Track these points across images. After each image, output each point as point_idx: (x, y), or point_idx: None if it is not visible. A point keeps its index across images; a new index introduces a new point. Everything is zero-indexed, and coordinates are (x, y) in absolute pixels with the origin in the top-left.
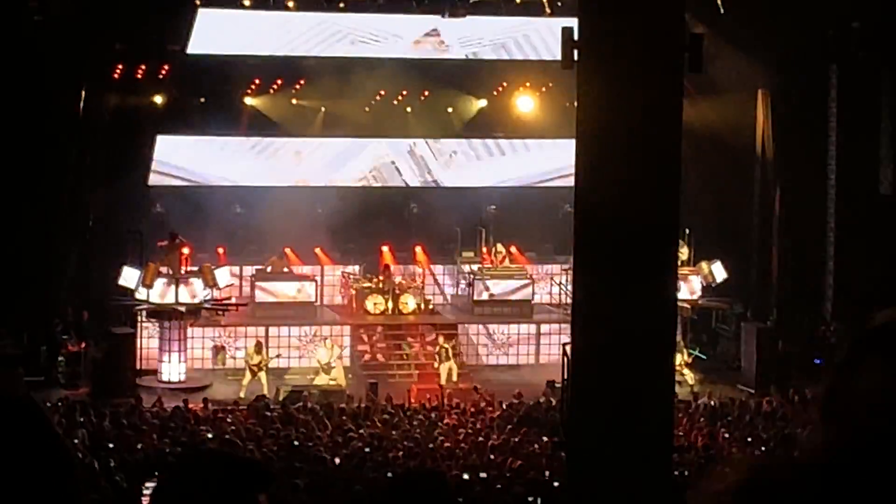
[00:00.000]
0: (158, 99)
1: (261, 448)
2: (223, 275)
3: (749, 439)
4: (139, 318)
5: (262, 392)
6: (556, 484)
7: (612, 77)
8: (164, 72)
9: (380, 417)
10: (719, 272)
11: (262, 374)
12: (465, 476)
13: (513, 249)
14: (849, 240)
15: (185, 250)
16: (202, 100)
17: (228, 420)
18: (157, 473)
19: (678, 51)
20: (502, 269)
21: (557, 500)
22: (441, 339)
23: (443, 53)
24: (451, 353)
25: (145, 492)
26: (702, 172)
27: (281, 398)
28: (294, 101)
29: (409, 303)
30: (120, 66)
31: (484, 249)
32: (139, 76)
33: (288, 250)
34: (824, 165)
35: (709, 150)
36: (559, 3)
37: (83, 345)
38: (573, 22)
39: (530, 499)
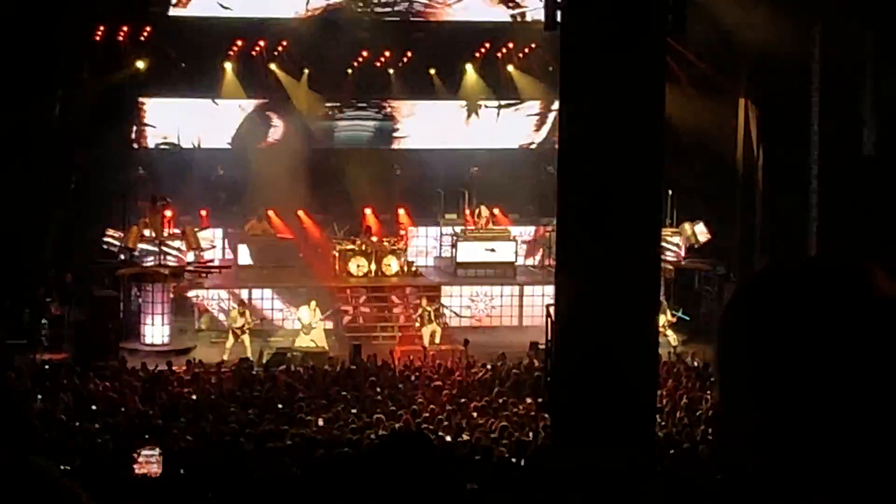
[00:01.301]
0: (140, 63)
1: (244, 410)
2: (206, 237)
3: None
4: (122, 281)
5: (246, 355)
6: (539, 444)
7: (596, 38)
8: (145, 34)
9: (363, 380)
10: (702, 233)
11: (246, 337)
12: (449, 438)
13: (496, 211)
14: (832, 200)
15: (168, 213)
16: (183, 64)
17: (212, 382)
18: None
19: (662, 11)
20: (485, 232)
21: (541, 462)
22: (424, 302)
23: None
24: (433, 316)
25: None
26: (684, 132)
27: (264, 361)
28: (276, 63)
29: (391, 265)
30: (102, 28)
31: (467, 212)
32: (121, 38)
33: (270, 213)
34: (807, 126)
35: (691, 110)
36: None
37: (67, 308)
38: None
39: (514, 460)
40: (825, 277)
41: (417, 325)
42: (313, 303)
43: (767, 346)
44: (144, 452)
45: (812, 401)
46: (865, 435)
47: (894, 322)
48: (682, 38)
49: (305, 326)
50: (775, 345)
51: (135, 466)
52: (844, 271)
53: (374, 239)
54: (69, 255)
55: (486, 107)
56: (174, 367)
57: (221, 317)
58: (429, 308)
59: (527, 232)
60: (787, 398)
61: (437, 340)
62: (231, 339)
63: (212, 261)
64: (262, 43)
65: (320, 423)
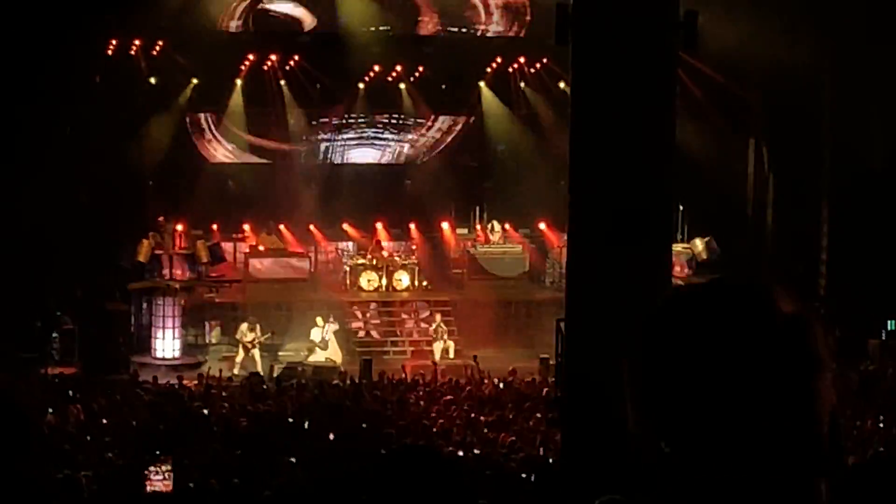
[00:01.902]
0: (153, 80)
1: (255, 425)
2: (217, 252)
3: None
4: (133, 295)
5: (256, 369)
6: (550, 461)
7: (607, 54)
8: (157, 48)
9: (373, 394)
10: (712, 249)
11: (256, 352)
12: (459, 453)
13: (507, 226)
14: (842, 216)
15: (179, 227)
16: (195, 79)
17: (223, 396)
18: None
19: (672, 27)
20: (497, 246)
21: (552, 477)
22: (438, 318)
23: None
24: (446, 332)
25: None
26: (695, 149)
27: (275, 375)
28: (287, 78)
29: (402, 279)
30: (114, 42)
31: (478, 227)
32: (133, 52)
33: (281, 227)
34: (817, 141)
35: (702, 126)
36: None
37: (77, 322)
38: None
39: (524, 475)
40: (725, 298)
41: (433, 341)
42: (320, 319)
43: (667, 366)
44: (154, 468)
45: (711, 421)
46: (765, 451)
47: (793, 339)
48: (694, 54)
49: (319, 343)
50: (675, 365)
51: (145, 481)
52: (745, 291)
53: (385, 254)
54: (80, 270)
55: None
56: (185, 381)
57: (238, 334)
58: (442, 324)
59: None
60: (686, 419)
61: (451, 355)
62: (241, 353)
63: (223, 275)
64: (273, 57)
65: (331, 437)
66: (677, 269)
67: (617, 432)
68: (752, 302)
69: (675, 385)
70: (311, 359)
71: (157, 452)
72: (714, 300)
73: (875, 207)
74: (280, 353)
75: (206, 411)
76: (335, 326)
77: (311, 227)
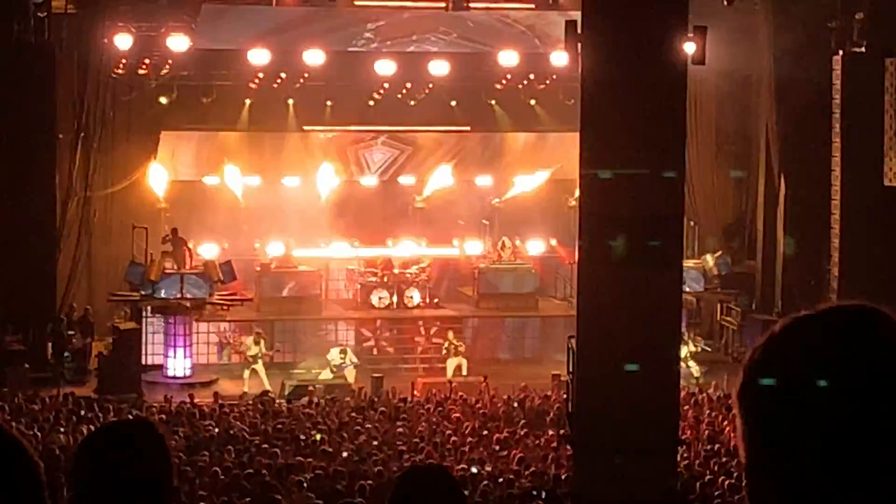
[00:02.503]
0: (163, 99)
1: (267, 443)
2: (228, 270)
3: None
4: (144, 314)
5: (264, 385)
6: (562, 477)
7: (616, 70)
8: (168, 66)
9: (385, 412)
10: (724, 265)
11: (259, 367)
12: (472, 470)
13: (517, 243)
14: (853, 231)
15: (190, 245)
16: (204, 97)
17: (235, 414)
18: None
19: (682, 43)
20: (507, 263)
21: (563, 493)
22: (451, 335)
23: (446, 46)
24: (459, 349)
25: None
26: (706, 164)
27: (286, 393)
28: (298, 96)
29: (413, 297)
30: (123, 62)
31: (489, 243)
32: (143, 71)
33: (292, 244)
34: (828, 157)
35: (713, 142)
36: None
37: (88, 341)
38: (577, 15)
39: (535, 493)
40: (848, 323)
41: (444, 356)
42: (348, 349)
43: (794, 394)
44: None
45: (838, 449)
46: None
47: None
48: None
49: (334, 367)
50: (801, 393)
51: None
52: (865, 316)
53: (396, 271)
54: (91, 289)
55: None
56: (196, 400)
57: (242, 348)
58: (455, 342)
59: (548, 264)
60: (814, 447)
61: (465, 372)
62: (248, 371)
63: (234, 293)
64: (282, 76)
65: (343, 454)
66: (689, 284)
67: (626, 448)
68: (874, 327)
69: (803, 415)
70: (322, 377)
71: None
72: (843, 327)
73: (887, 221)
74: (293, 371)
75: (216, 430)
76: (355, 360)
77: (322, 244)
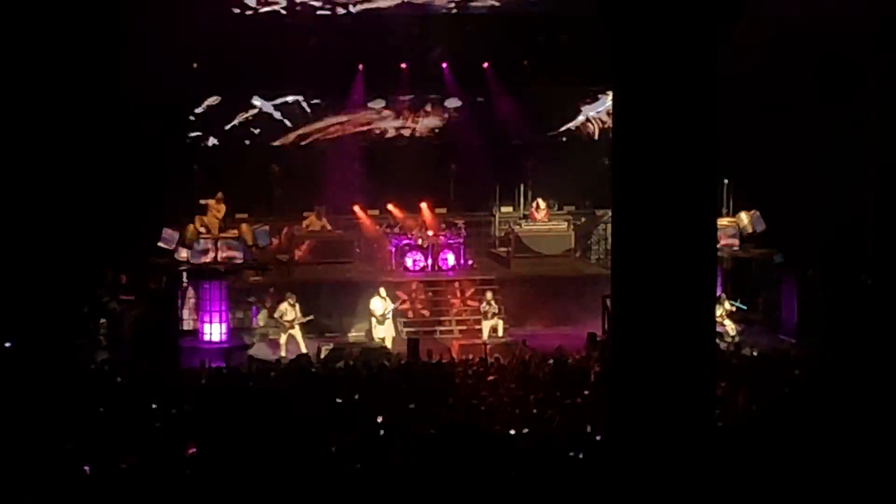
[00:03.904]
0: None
1: (304, 406)
2: (262, 234)
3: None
4: (180, 279)
5: (300, 349)
6: (598, 437)
7: (650, 28)
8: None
9: (421, 374)
10: (759, 222)
11: (297, 332)
12: (508, 431)
13: (552, 204)
14: (889, 189)
15: (224, 209)
16: (240, 60)
17: (271, 377)
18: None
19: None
20: (542, 224)
21: (600, 454)
22: (489, 295)
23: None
24: (495, 310)
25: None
26: (740, 123)
27: (322, 356)
28: (330, 58)
29: (448, 259)
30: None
31: (522, 204)
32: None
33: (326, 208)
34: (864, 115)
35: (748, 99)
36: None
37: (123, 307)
38: None
39: (572, 453)
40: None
41: (482, 320)
42: (383, 290)
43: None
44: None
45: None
46: None
47: None
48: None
49: (379, 317)
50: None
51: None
52: None
53: (430, 233)
54: (126, 254)
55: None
56: (233, 365)
57: (277, 314)
58: (492, 302)
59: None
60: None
61: (500, 334)
62: (284, 335)
63: (269, 257)
64: (314, 39)
65: (379, 419)
66: (724, 242)
67: (664, 409)
68: None
69: None
70: (375, 335)
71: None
72: None
73: None
74: (327, 334)
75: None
76: (392, 305)
77: (356, 208)
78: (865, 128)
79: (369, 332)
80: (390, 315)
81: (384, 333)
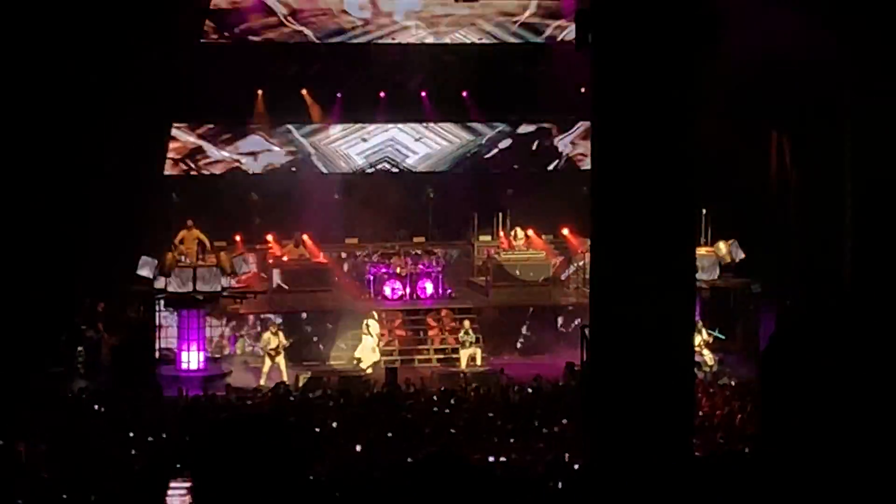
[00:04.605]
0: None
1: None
2: (241, 262)
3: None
4: (158, 308)
5: (282, 377)
6: (576, 466)
7: (628, 58)
8: (178, 59)
9: (399, 403)
10: (737, 252)
11: (280, 360)
12: (486, 459)
13: (530, 233)
14: (866, 216)
15: (202, 238)
16: (218, 87)
17: (248, 405)
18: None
19: (694, 29)
20: (520, 253)
21: (579, 483)
22: (466, 324)
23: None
24: (473, 339)
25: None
26: (718, 151)
27: (300, 385)
28: (309, 88)
29: (427, 288)
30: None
31: (502, 233)
32: (153, 63)
33: (305, 237)
34: (841, 141)
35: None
36: None
37: (101, 335)
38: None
39: (551, 482)
40: (864, 314)
41: (460, 349)
42: (375, 314)
43: (810, 378)
44: (176, 483)
45: (849, 433)
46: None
47: None
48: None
49: (375, 338)
50: (817, 377)
51: (170, 494)
52: (881, 309)
53: (409, 262)
54: (104, 282)
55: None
56: (210, 393)
57: (262, 343)
58: (470, 331)
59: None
60: (827, 428)
61: (478, 363)
62: (267, 363)
63: (247, 286)
64: (293, 68)
65: (357, 447)
66: (704, 273)
67: (642, 438)
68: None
69: (817, 398)
70: (369, 360)
71: (179, 466)
72: (854, 317)
73: None
74: (304, 363)
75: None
76: (377, 328)
77: (334, 236)
78: (843, 156)
79: (356, 357)
80: (377, 346)
81: (374, 358)
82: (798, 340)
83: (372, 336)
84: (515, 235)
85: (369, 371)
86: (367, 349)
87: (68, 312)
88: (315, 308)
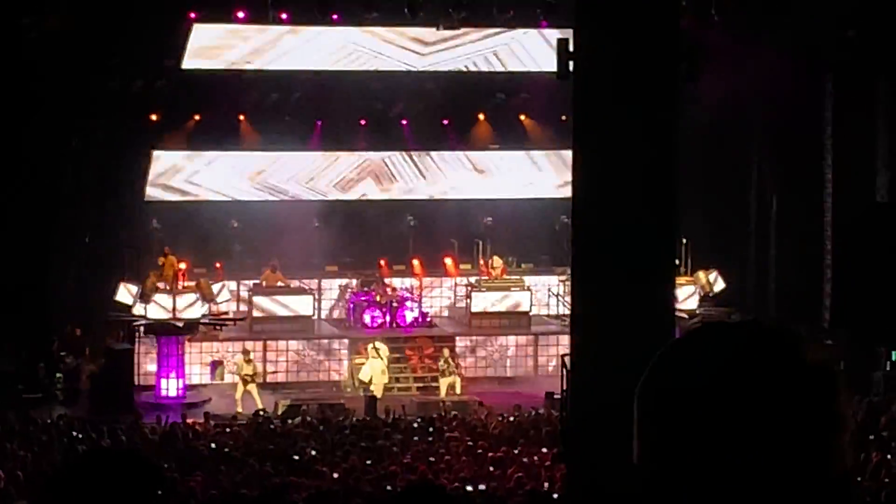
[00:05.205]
0: (153, 115)
1: (260, 463)
2: (220, 290)
3: None
4: (137, 334)
5: (257, 404)
6: (555, 496)
7: (609, 88)
8: (159, 87)
9: (379, 431)
10: (717, 282)
11: (253, 387)
12: (466, 488)
13: (509, 260)
14: (846, 248)
15: (182, 265)
16: (197, 116)
17: (227, 433)
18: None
19: (675, 60)
20: (500, 282)
21: None
22: (446, 353)
23: (437, 66)
24: (453, 368)
25: None
26: (698, 182)
27: (280, 412)
28: (289, 116)
29: (406, 316)
30: (115, 82)
31: (481, 262)
32: (134, 91)
33: (284, 264)
34: (821, 173)
35: (705, 159)
36: (554, 14)
37: (80, 361)
38: (569, 33)
39: None
40: (756, 339)
41: (440, 378)
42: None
43: (682, 407)
44: None
45: (723, 466)
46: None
47: (819, 393)
48: (695, 88)
49: (385, 359)
50: (692, 405)
51: None
52: (777, 335)
53: (389, 290)
54: (83, 309)
55: (497, 156)
56: (189, 420)
57: (235, 368)
58: (449, 360)
59: (541, 281)
60: (699, 462)
61: (458, 391)
62: (240, 389)
63: (226, 313)
64: (275, 95)
65: (336, 475)
66: (684, 303)
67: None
68: (782, 347)
69: (690, 424)
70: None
71: (160, 493)
72: (744, 339)
73: (879, 238)
74: (284, 390)
75: (213, 445)
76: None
77: (315, 263)
78: (822, 186)
79: (365, 381)
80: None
81: (384, 380)
82: (671, 369)
83: (381, 359)
84: (492, 264)
85: (378, 395)
86: (376, 372)
87: (47, 339)
88: (294, 335)
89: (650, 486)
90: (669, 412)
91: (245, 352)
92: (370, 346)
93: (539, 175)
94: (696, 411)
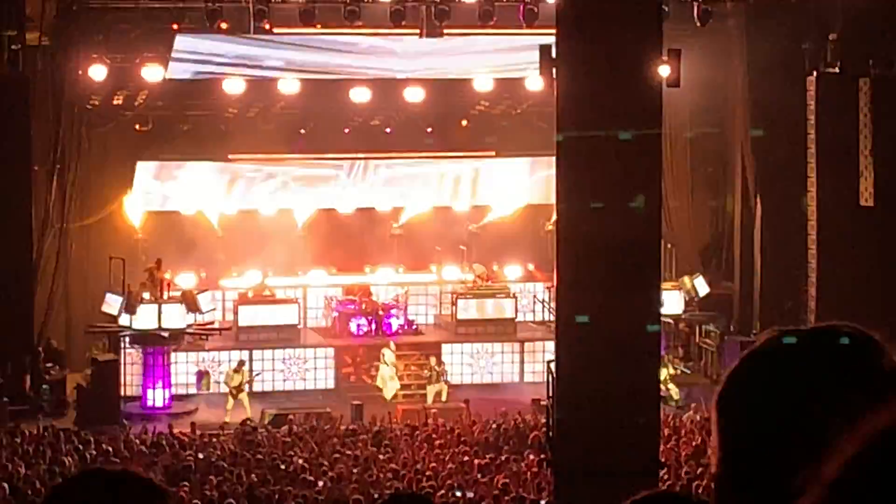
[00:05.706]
0: (137, 125)
1: (248, 472)
2: (206, 299)
3: None
4: (122, 345)
5: (246, 414)
6: (542, 502)
7: (591, 94)
8: (142, 98)
9: (365, 439)
10: (702, 287)
11: (244, 396)
12: (454, 495)
13: (494, 268)
14: (830, 252)
15: (167, 275)
16: (182, 125)
17: (214, 442)
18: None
19: (657, 66)
20: (486, 288)
21: None
22: (433, 360)
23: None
24: (440, 376)
25: None
26: (682, 187)
27: (266, 421)
28: (273, 124)
29: (392, 323)
30: (98, 93)
31: (466, 269)
32: (118, 102)
33: (270, 273)
34: (804, 178)
35: (689, 164)
36: (536, 21)
37: (66, 373)
38: (551, 39)
39: None
40: (830, 347)
41: (424, 381)
42: (392, 344)
43: (769, 415)
44: None
45: (811, 472)
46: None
47: None
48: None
49: (392, 365)
50: (777, 414)
51: None
52: (851, 342)
53: (375, 298)
54: (69, 320)
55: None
56: (175, 430)
57: (225, 379)
58: (437, 367)
59: (526, 288)
60: (787, 468)
61: (444, 398)
62: (230, 401)
63: (212, 323)
64: (258, 105)
65: (322, 483)
66: (669, 308)
67: (607, 472)
68: (867, 355)
69: (777, 436)
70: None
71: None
72: (828, 347)
73: (863, 241)
74: (270, 400)
75: (200, 455)
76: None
77: (300, 272)
78: (806, 190)
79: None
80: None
81: (394, 386)
82: (756, 377)
83: (388, 365)
84: (474, 271)
85: (390, 399)
86: (385, 378)
87: (33, 350)
88: (280, 344)
89: (733, 495)
90: (758, 422)
91: (241, 362)
92: (380, 352)
93: (524, 181)
94: (788, 421)
